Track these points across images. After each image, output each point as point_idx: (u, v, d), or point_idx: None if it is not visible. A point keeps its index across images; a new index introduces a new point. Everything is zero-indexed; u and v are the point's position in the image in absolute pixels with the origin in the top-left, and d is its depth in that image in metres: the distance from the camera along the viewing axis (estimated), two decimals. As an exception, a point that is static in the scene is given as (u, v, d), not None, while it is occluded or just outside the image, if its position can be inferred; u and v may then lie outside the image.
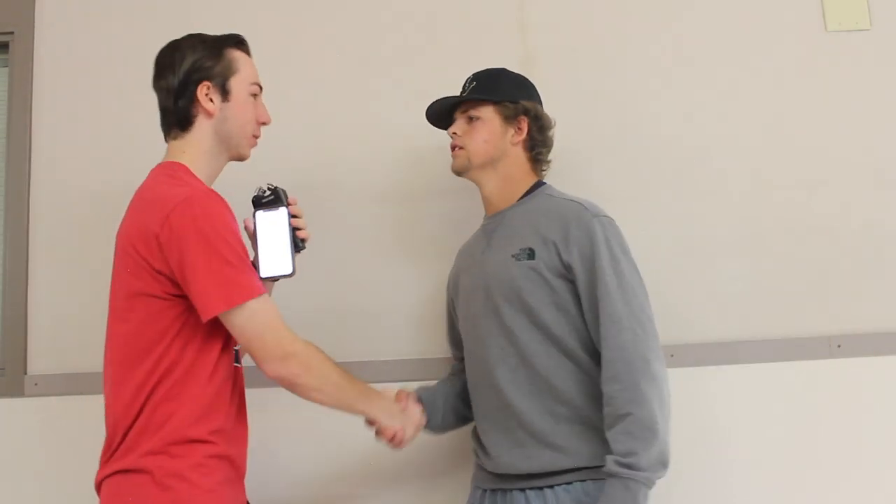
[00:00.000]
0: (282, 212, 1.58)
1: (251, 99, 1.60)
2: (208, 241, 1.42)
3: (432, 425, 1.76)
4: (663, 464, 1.47)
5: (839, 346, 1.99)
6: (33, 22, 2.18)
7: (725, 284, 2.03)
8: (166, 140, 1.61)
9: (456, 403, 1.79)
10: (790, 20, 2.13)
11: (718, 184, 2.07)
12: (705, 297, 2.03)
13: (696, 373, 1.99)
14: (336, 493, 1.90)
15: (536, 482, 1.56)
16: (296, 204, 1.64)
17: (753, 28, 2.13)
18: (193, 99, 1.55)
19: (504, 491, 1.61)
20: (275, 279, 1.62)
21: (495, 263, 1.67)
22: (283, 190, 1.62)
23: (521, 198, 1.71)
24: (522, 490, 1.57)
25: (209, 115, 1.56)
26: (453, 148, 1.74)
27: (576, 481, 1.53)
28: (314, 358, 1.50)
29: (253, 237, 1.59)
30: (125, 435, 1.44)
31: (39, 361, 2.07)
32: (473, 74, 1.77)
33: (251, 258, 1.55)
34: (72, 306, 2.08)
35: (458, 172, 1.75)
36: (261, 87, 1.64)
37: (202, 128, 1.57)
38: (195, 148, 1.57)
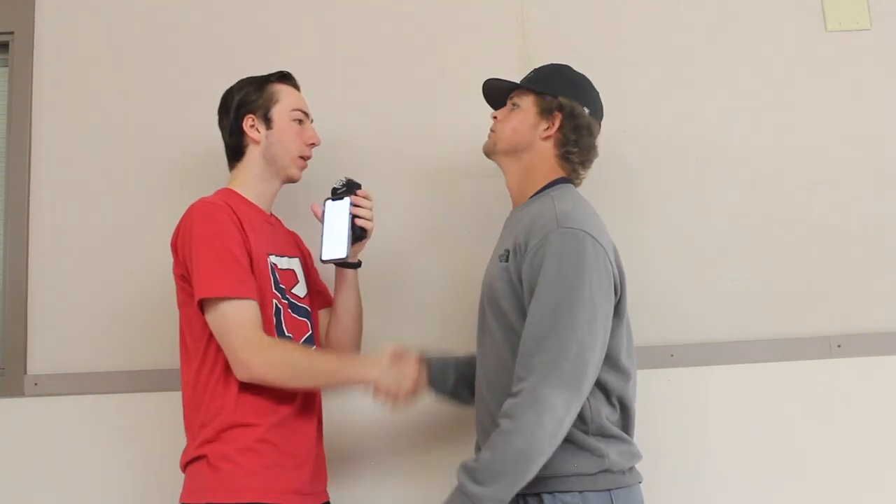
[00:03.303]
0: (345, 202, 1.74)
1: (294, 124, 1.77)
2: (201, 240, 1.60)
3: (440, 389, 1.75)
4: (509, 483, 1.42)
5: (839, 346, 1.99)
6: (33, 22, 2.18)
7: (725, 284, 2.03)
8: (230, 171, 1.80)
9: (471, 374, 1.75)
10: (790, 20, 2.14)
11: (718, 184, 2.07)
12: (705, 297, 2.03)
13: (696, 373, 1.99)
14: (337, 486, 1.90)
15: None
16: (366, 196, 1.76)
17: (753, 28, 2.13)
18: (242, 131, 1.75)
19: None
20: (336, 262, 1.76)
21: (491, 263, 1.68)
22: (356, 183, 1.77)
23: (535, 194, 1.68)
24: None
25: (256, 142, 1.75)
26: (491, 130, 1.75)
27: (544, 492, 1.49)
28: (278, 353, 1.60)
29: (321, 223, 1.75)
30: (194, 428, 1.62)
31: (39, 361, 2.07)
32: (539, 66, 1.76)
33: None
34: (72, 306, 2.08)
35: (486, 154, 1.76)
36: (307, 114, 1.81)
37: (252, 155, 1.76)
38: (246, 174, 1.77)
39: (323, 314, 1.87)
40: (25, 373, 2.06)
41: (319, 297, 1.87)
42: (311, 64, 2.14)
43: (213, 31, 2.17)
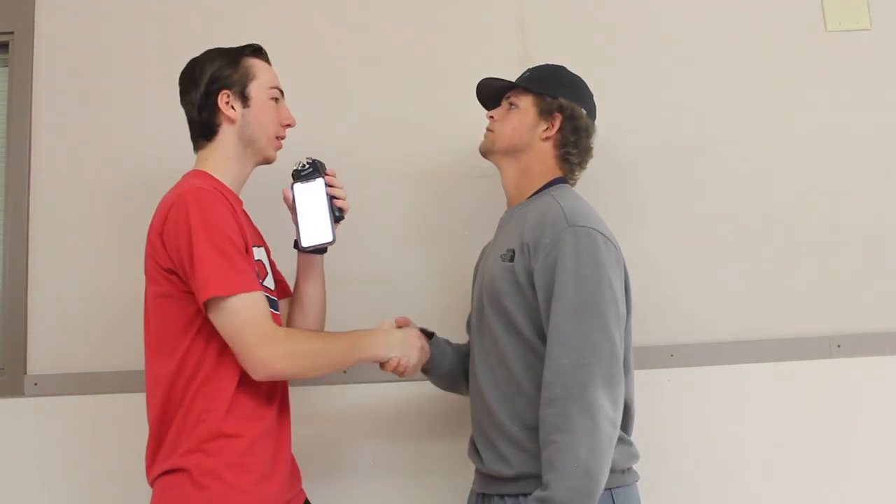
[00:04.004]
0: (318, 182, 1.64)
1: (271, 102, 1.67)
2: (201, 233, 1.46)
3: (439, 370, 1.74)
4: (588, 495, 1.38)
5: (839, 346, 1.99)
6: (33, 22, 2.18)
7: (725, 284, 2.03)
8: (195, 151, 1.67)
9: (465, 362, 1.76)
10: (790, 20, 2.14)
11: (718, 184, 2.07)
12: (705, 297, 2.03)
13: (696, 373, 1.99)
14: (332, 493, 1.90)
15: (512, 488, 1.53)
16: (335, 175, 1.68)
17: (753, 28, 2.13)
18: (215, 108, 1.62)
19: (489, 496, 1.59)
20: (316, 249, 1.67)
21: (490, 261, 1.67)
22: (321, 162, 1.67)
23: (534, 194, 1.67)
24: (502, 496, 1.55)
25: (231, 121, 1.63)
26: (487, 130, 1.74)
27: None
28: (296, 343, 1.52)
29: (292, 209, 1.66)
30: (167, 435, 1.49)
31: (39, 361, 2.06)
32: (534, 66, 1.76)
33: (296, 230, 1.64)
34: (72, 306, 2.08)
35: (483, 154, 1.74)
36: (282, 91, 1.71)
37: (226, 135, 1.63)
38: (219, 154, 1.63)
39: (282, 305, 1.75)
40: (25, 373, 2.06)
41: (281, 286, 1.76)
42: (308, 63, 2.14)
43: (212, 30, 2.17)
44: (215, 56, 1.65)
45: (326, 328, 1.79)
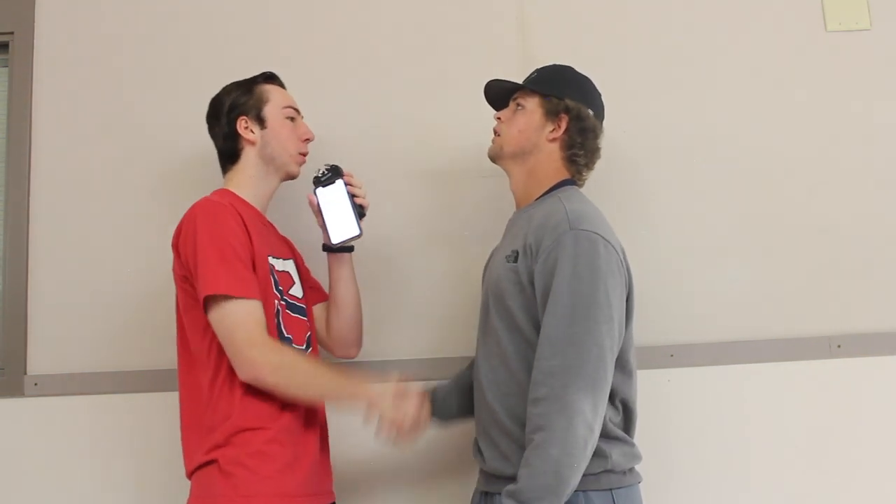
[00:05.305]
0: (339, 184, 1.75)
1: (287, 121, 1.79)
2: (206, 240, 1.58)
3: (444, 418, 1.77)
4: (555, 494, 1.40)
5: (839, 346, 1.99)
6: (33, 22, 2.18)
7: (725, 284, 2.03)
8: (223, 176, 1.80)
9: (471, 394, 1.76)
10: (790, 20, 2.14)
11: (718, 184, 2.07)
12: (705, 297, 2.03)
13: (696, 373, 1.99)
14: (340, 492, 1.90)
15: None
16: (353, 176, 1.77)
17: (753, 28, 2.14)
18: (236, 134, 1.75)
19: (491, 494, 1.60)
20: (346, 243, 1.76)
21: (495, 262, 1.68)
22: (339, 167, 1.78)
23: (541, 196, 1.68)
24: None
25: (252, 143, 1.76)
26: (495, 132, 1.74)
27: None
28: (284, 359, 1.58)
29: (318, 213, 1.76)
30: (199, 433, 1.59)
31: (39, 361, 2.06)
32: (541, 67, 1.76)
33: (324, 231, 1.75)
34: (72, 306, 2.08)
35: (492, 159, 1.75)
36: (297, 110, 1.82)
37: (248, 156, 1.76)
38: (242, 174, 1.77)
39: (318, 310, 1.86)
40: (25, 373, 2.06)
41: (313, 293, 1.86)
42: (309, 64, 2.14)
43: (213, 30, 2.17)
44: (232, 88, 1.79)
45: None
